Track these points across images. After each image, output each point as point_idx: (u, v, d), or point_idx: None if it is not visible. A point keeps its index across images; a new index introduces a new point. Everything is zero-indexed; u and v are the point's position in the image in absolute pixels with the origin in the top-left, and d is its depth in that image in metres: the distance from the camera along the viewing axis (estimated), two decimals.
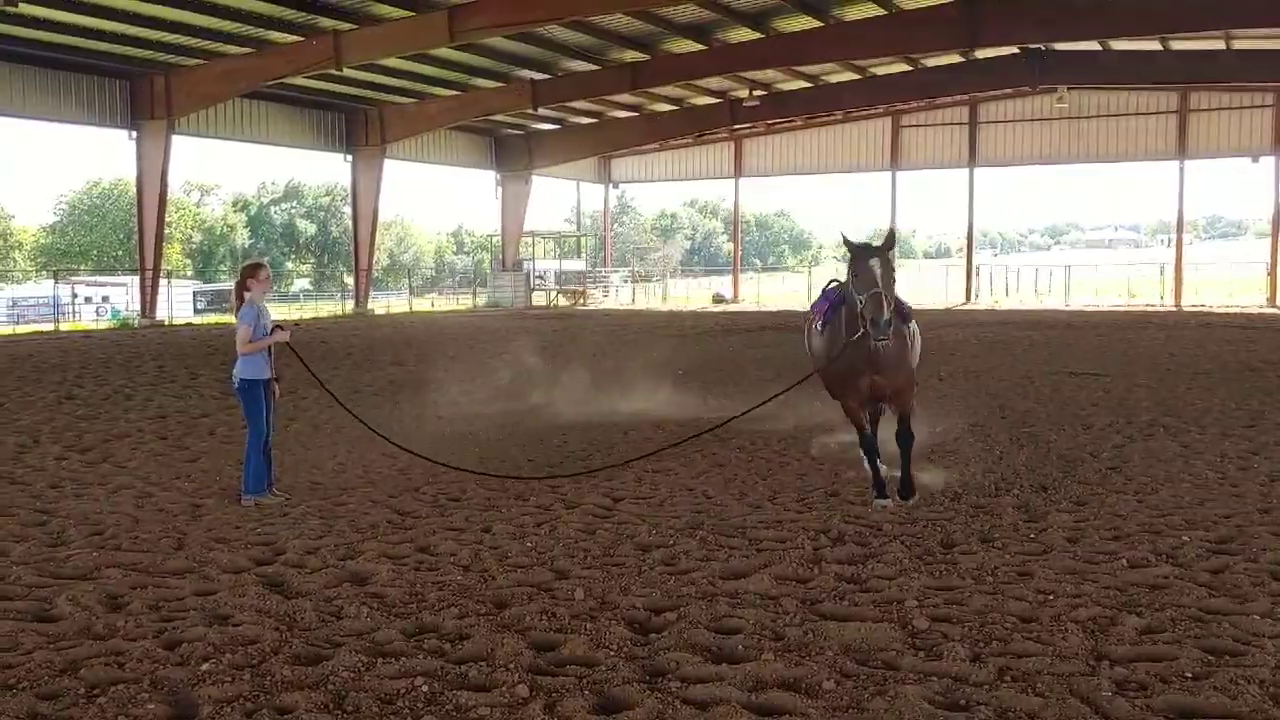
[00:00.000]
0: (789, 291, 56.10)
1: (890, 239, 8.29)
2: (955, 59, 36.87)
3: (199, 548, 7.09)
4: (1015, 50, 35.15)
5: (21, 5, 22.83)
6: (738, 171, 49.54)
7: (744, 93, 39.69)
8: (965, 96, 42.67)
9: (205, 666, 4.95)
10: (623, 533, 7.48)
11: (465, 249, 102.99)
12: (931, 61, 37.57)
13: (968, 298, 45.17)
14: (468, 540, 7.31)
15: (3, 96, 29.25)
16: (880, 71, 38.88)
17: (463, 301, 51.31)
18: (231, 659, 5.04)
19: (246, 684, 4.75)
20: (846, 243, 8.01)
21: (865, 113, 45.10)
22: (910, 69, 38.13)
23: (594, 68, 34.29)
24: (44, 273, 69.34)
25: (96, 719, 4.37)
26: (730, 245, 65.00)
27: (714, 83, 38.06)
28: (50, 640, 5.30)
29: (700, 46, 32.43)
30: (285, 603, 5.94)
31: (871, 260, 7.64)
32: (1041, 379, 16.15)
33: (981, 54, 35.49)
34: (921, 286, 49.49)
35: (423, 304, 50.18)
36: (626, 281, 57.89)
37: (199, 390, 15.46)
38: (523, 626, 5.52)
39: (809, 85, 39.87)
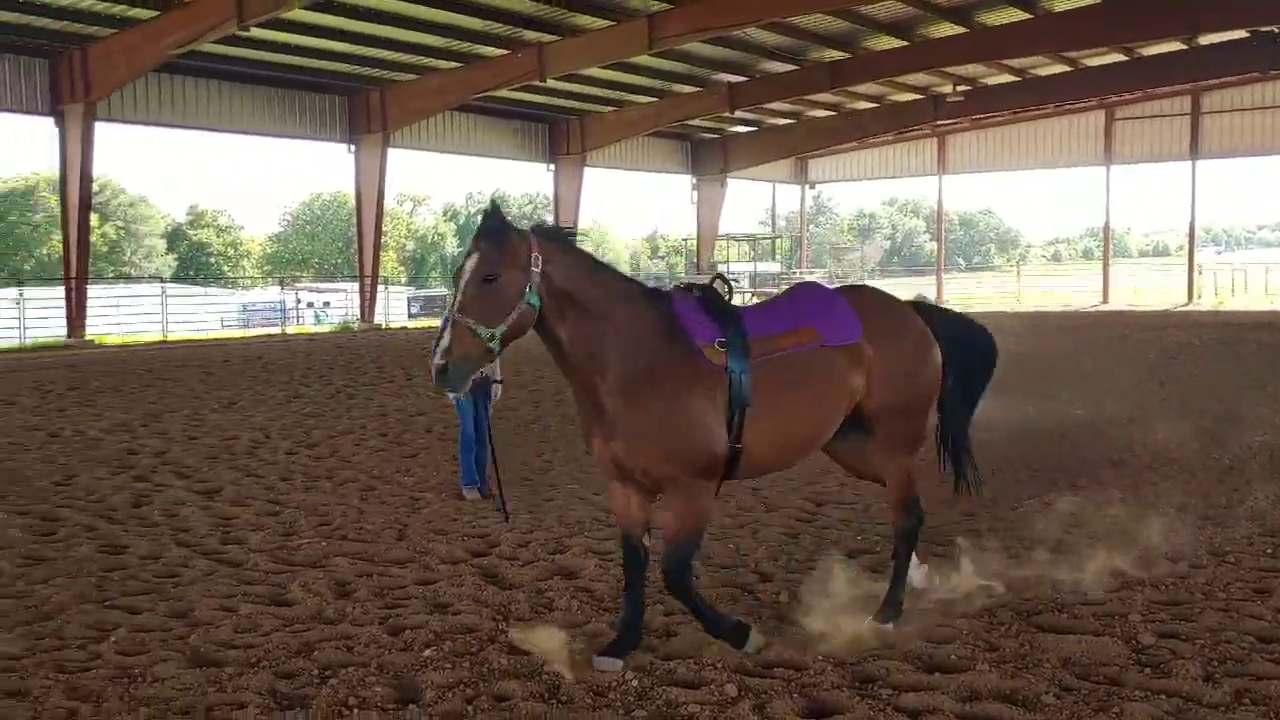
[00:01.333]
0: (993, 293, 54.17)
1: (492, 214, 4.82)
2: (1176, 46, 34.74)
3: (419, 539, 7.43)
4: (1244, 34, 32.82)
5: (253, 30, 24.44)
6: (941, 168, 48.19)
7: (947, 88, 38.59)
8: (1187, 86, 40.13)
9: (427, 653, 5.18)
10: (826, 538, 7.39)
11: (660, 254, 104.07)
12: (1149, 50, 35.52)
13: (1190, 298, 42.49)
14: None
15: (235, 115, 31.45)
16: (1093, 63, 37.02)
17: None
18: (452, 646, 5.26)
19: (466, 670, 4.94)
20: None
21: (1076, 105, 43.01)
22: (1125, 58, 36.17)
23: (792, 68, 34.05)
24: (270, 279, 74.14)
25: (329, 699, 4.63)
26: (932, 245, 63.19)
27: (916, 79, 37.14)
28: (286, 623, 5.66)
29: (902, 43, 31.74)
30: (500, 593, 6.16)
31: (467, 261, 4.74)
32: (1276, 383, 15.04)
33: (1205, 40, 33.34)
34: (1139, 286, 46.88)
35: None
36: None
37: (415, 390, 16.18)
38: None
39: (1016, 79, 38.40)
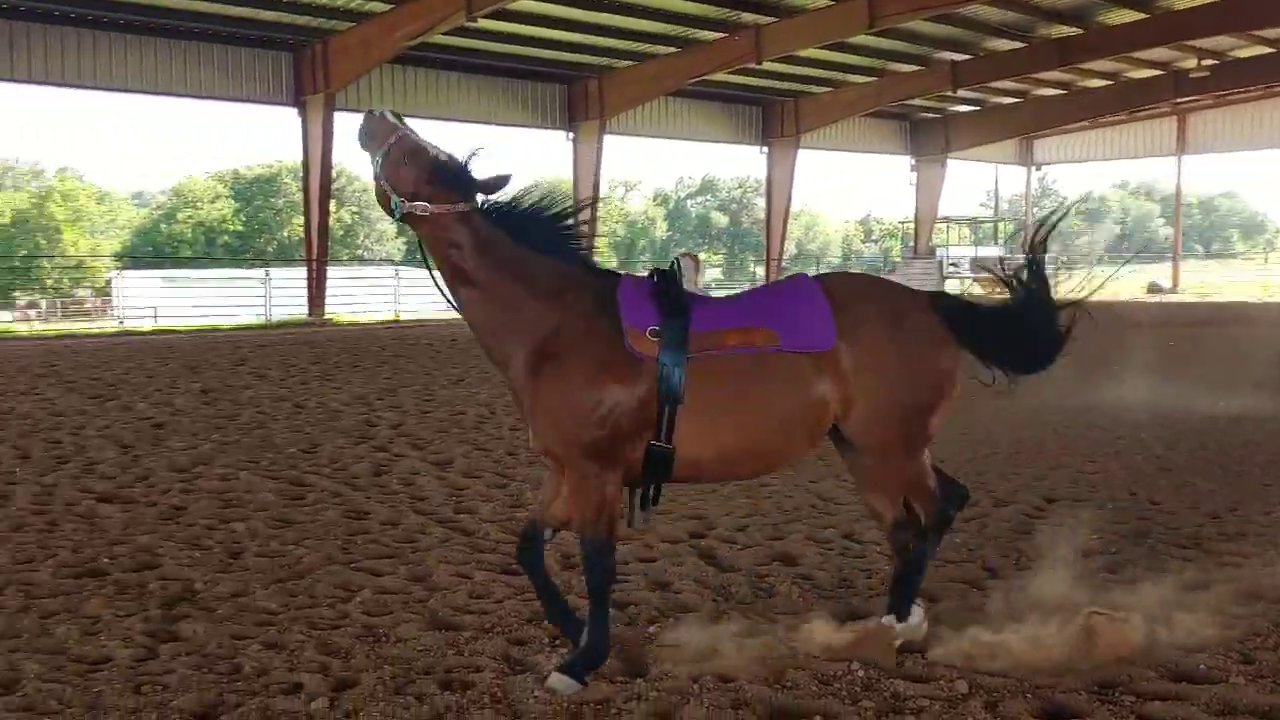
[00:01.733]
0: (1236, 280, 50.49)
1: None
2: None
3: (639, 516, 7.54)
4: None
5: (479, 21, 25.35)
6: (1180, 148, 45.23)
7: (1191, 63, 36.10)
8: None
9: (652, 629, 5.26)
10: (1060, 535, 7.07)
11: (873, 237, 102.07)
12: None
13: None
14: None
15: (460, 104, 32.77)
16: None
17: None
18: (675, 624, 5.32)
19: (690, 647, 4.99)
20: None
21: None
22: None
23: (1019, 45, 32.68)
24: None
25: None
26: (1166, 230, 59.43)
27: (1155, 54, 34.97)
28: (517, 592, 5.86)
29: (1140, 15, 29.92)
30: (720, 575, 6.19)
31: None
32: None
33: None
34: None
35: None
36: (1048, 268, 54.58)
37: None
38: (956, 622, 5.36)
39: (1270, 50, 35.54)
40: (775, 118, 39.41)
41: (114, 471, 9.10)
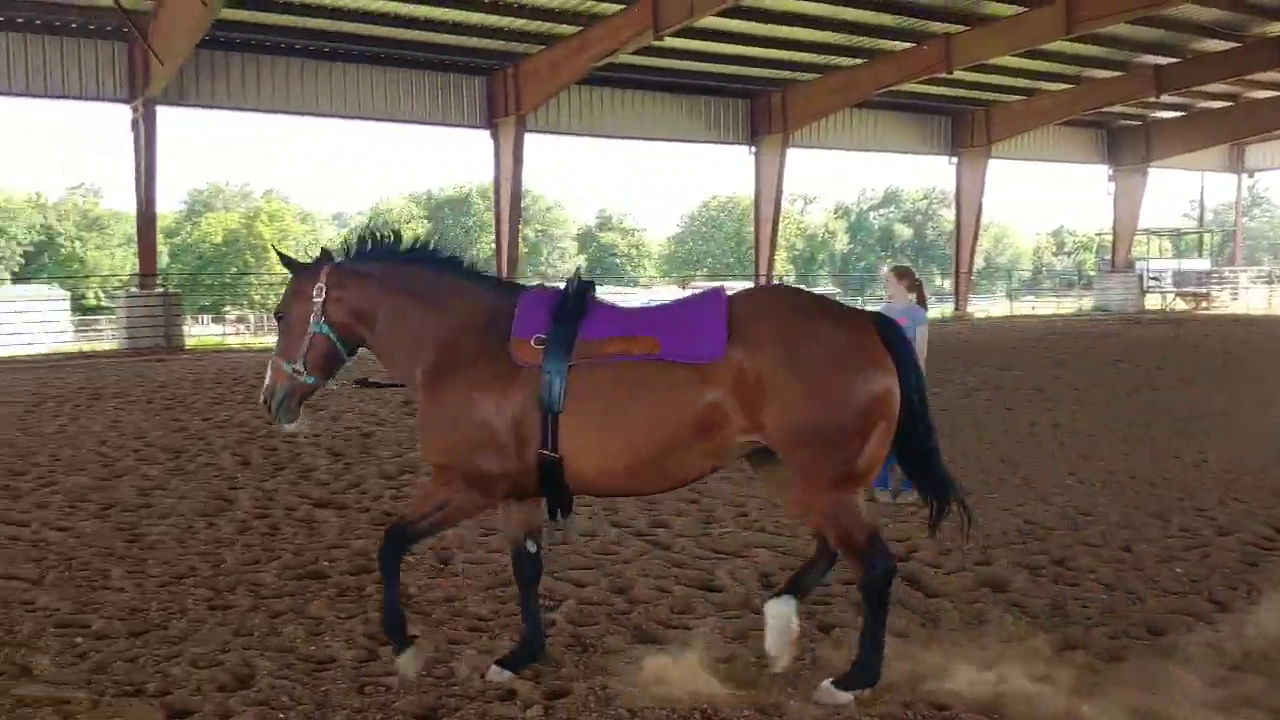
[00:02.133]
0: None
1: (281, 258, 5.24)
2: None
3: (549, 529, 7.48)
4: None
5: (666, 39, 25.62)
6: None
7: None
8: None
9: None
10: None
11: (1066, 249, 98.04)
12: None
13: None
14: (1107, 558, 6.89)
15: (643, 122, 33.23)
16: None
17: (1065, 305, 48.77)
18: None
19: (899, 674, 4.87)
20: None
21: None
22: None
23: (1230, 45, 30.78)
24: (668, 278, 77.53)
25: (768, 687, 4.73)
26: None
27: None
28: (718, 609, 5.85)
29: None
30: (926, 600, 6.02)
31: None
32: None
33: None
34: None
35: (1022, 307, 48.49)
36: (1259, 282, 51.27)
37: None
38: (1184, 657, 5.06)
39: None
40: (965, 127, 38.35)
41: (328, 478, 9.57)
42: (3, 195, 71.00)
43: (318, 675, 4.94)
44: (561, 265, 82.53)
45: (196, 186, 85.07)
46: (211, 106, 27.49)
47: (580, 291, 4.82)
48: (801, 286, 5.07)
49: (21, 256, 69.20)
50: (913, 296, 8.70)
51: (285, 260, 5.17)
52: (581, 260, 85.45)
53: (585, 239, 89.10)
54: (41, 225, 71.16)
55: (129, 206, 27.86)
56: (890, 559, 4.62)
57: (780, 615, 4.78)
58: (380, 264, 5.03)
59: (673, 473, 4.66)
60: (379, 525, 7.80)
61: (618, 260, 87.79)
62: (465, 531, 7.57)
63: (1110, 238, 45.20)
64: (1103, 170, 43.97)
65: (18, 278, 63.19)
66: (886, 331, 4.65)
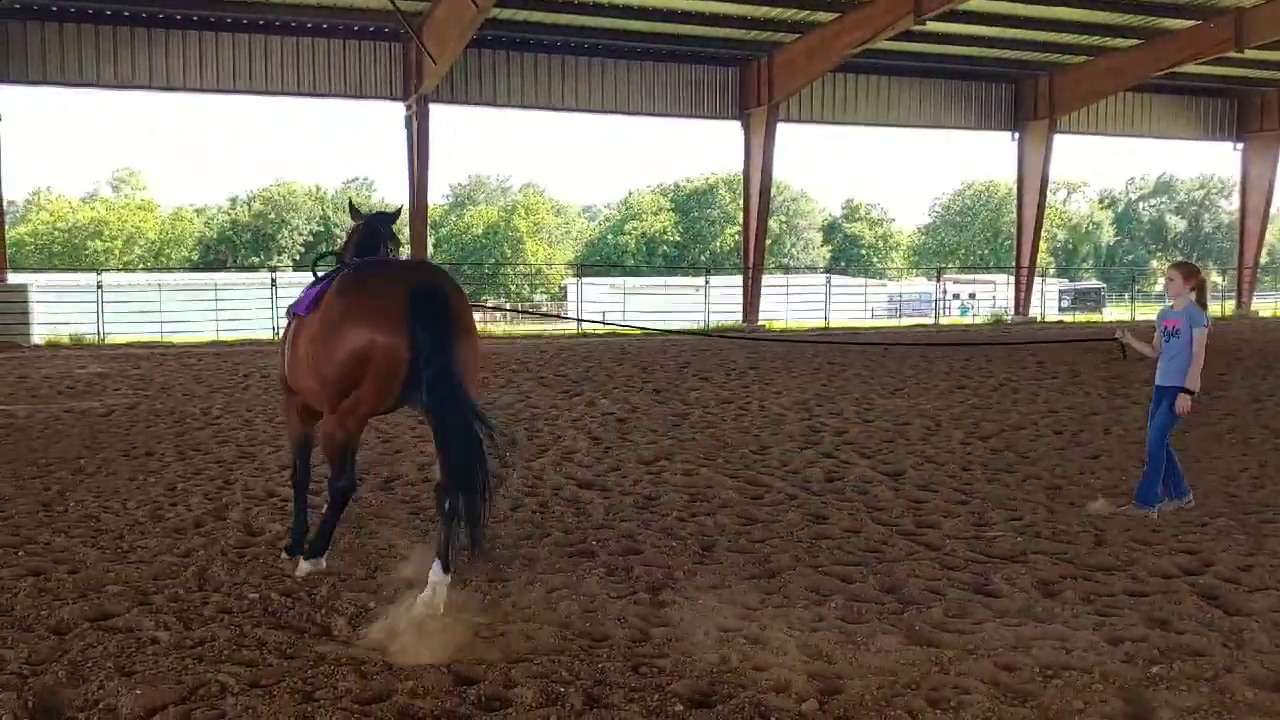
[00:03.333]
0: None
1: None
2: None
3: (1120, 545, 6.98)
4: None
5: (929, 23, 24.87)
6: None
7: None
8: None
9: (1155, 669, 4.81)
10: None
11: None
12: None
13: None
14: None
15: (898, 109, 32.50)
16: None
17: None
18: (1182, 667, 4.83)
19: (1204, 697, 4.51)
20: None
21: None
22: None
23: None
24: (918, 270, 75.50)
25: (1055, 699, 4.49)
26: None
27: None
28: (997, 615, 5.60)
29: None
30: (1227, 619, 5.56)
31: None
32: None
33: None
34: None
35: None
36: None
37: (1083, 386, 15.40)
38: None
39: None
40: (1253, 110, 35.37)
41: (589, 461, 9.83)
42: (286, 188, 77.13)
43: (594, 652, 5.05)
44: (805, 256, 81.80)
45: (459, 180, 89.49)
46: (478, 104, 28.85)
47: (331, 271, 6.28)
48: (374, 267, 6.16)
49: (302, 245, 74.98)
50: (1193, 295, 7.98)
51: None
52: (826, 252, 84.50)
53: (831, 229, 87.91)
54: (320, 216, 76.83)
55: (399, 199, 29.58)
56: (352, 482, 5.99)
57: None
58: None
59: (328, 400, 5.75)
60: (641, 509, 7.95)
61: (863, 251, 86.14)
62: (726, 520, 7.58)
63: None
64: None
65: (298, 265, 68.52)
66: (417, 301, 5.36)
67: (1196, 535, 7.30)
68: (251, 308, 29.71)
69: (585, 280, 43.17)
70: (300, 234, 75.40)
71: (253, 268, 67.73)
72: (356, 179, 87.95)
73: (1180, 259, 8.63)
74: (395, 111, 27.85)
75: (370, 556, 6.69)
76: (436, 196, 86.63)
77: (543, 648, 5.08)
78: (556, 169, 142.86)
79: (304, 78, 26.56)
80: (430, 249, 71.57)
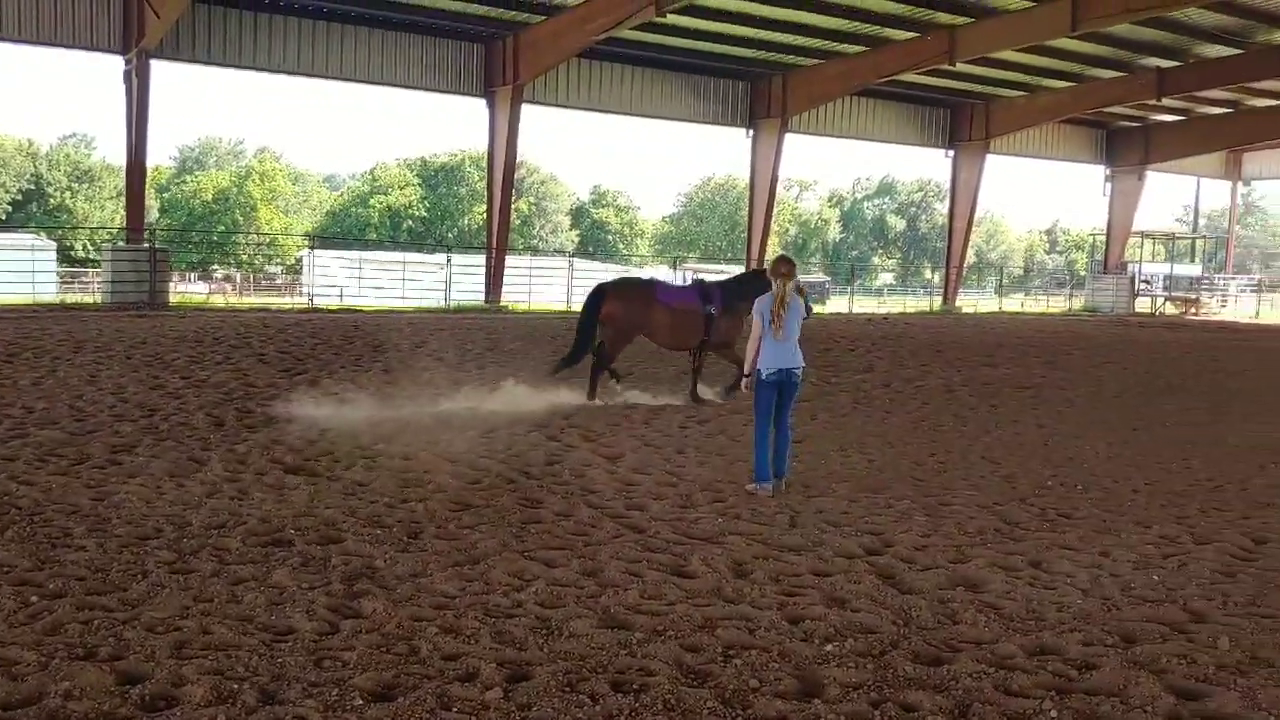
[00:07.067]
0: None
1: None
2: None
3: (812, 528, 7.35)
4: None
5: (668, 16, 25.39)
6: None
7: None
8: None
9: (829, 647, 5.07)
10: (1270, 581, 6.52)
11: (1058, 248, 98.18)
12: None
13: None
14: (1083, 562, 6.81)
15: (643, 100, 33.01)
16: None
17: (1054, 304, 48.80)
18: (853, 644, 5.11)
19: (869, 673, 4.78)
20: None
21: None
22: None
23: (1234, 52, 30.71)
24: (661, 259, 77.30)
25: (733, 679, 4.64)
26: None
27: None
28: (689, 595, 5.75)
29: None
30: (900, 597, 5.94)
31: None
32: None
33: None
34: None
35: (1011, 304, 48.50)
36: (1247, 291, 51.39)
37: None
38: (1158, 668, 4.98)
39: None
40: (964, 121, 38.26)
41: (301, 444, 9.44)
42: None
43: (276, 646, 4.82)
44: (553, 239, 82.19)
45: (188, 143, 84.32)
46: (207, 63, 27.14)
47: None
48: None
49: (9, 204, 68.55)
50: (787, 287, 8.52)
51: None
52: (574, 236, 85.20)
53: (579, 214, 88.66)
54: (31, 174, 70.47)
55: (122, 159, 27.48)
56: None
57: None
58: None
59: None
60: (349, 495, 7.69)
61: (610, 237, 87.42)
62: (437, 505, 7.47)
63: (1104, 238, 45.22)
64: (1100, 170, 43.98)
65: (3, 225, 62.65)
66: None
67: (882, 517, 7.77)
68: None
69: (321, 252, 41.67)
70: (8, 191, 68.80)
71: None
72: (74, 135, 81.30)
73: (781, 253, 9.62)
74: (116, 65, 25.80)
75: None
76: (162, 158, 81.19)
77: (219, 642, 4.80)
78: (297, 136, 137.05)
79: (13, 23, 24.12)
80: (156, 213, 66.69)
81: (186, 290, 38.54)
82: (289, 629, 5.05)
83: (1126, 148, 42.69)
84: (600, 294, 13.07)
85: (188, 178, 79.08)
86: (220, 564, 5.97)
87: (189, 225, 68.93)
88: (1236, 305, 47.58)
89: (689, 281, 14.82)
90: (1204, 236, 54.19)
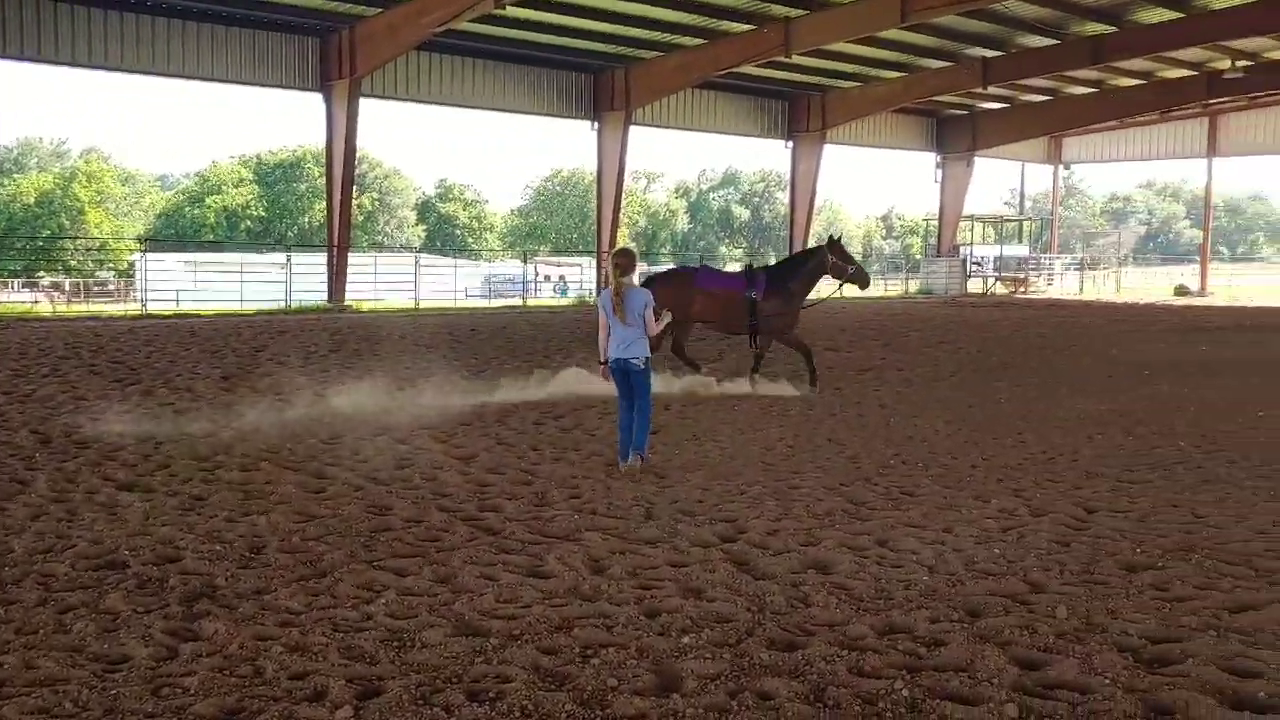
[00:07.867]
0: (1268, 285, 49.91)
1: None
2: None
3: (667, 519, 7.37)
4: None
5: (507, 8, 25.16)
6: (1211, 150, 44.68)
7: (1225, 63, 35.63)
8: None
9: (686, 640, 5.08)
10: (1101, 548, 6.85)
11: (894, 233, 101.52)
12: None
13: None
14: (928, 539, 7.02)
15: (485, 92, 32.64)
16: None
17: (892, 288, 50.43)
18: (710, 635, 5.14)
19: (726, 663, 4.81)
20: None
21: None
22: None
23: (1052, 42, 32.29)
24: (512, 252, 76.77)
25: (591, 679, 4.60)
26: (1191, 232, 58.92)
27: (1189, 54, 34.53)
28: (546, 596, 5.69)
29: (1176, 15, 29.52)
30: (754, 583, 6.00)
31: None
32: None
33: None
34: None
35: (851, 289, 49.68)
36: (1071, 269, 54.20)
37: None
38: (1002, 640, 5.17)
39: None
40: (801, 112, 39.14)
41: (135, 459, 8.99)
42: None
43: (109, 676, 4.55)
44: (399, 235, 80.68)
45: (5, 144, 79.55)
46: (22, 59, 25.54)
47: None
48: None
49: None
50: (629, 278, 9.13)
51: None
52: (420, 231, 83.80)
53: (425, 209, 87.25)
54: None
55: None
56: None
57: None
58: None
59: None
60: (187, 511, 7.35)
61: (458, 232, 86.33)
62: (281, 518, 7.20)
63: (936, 223, 46.97)
64: (931, 158, 45.64)
65: None
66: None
67: (735, 504, 7.86)
68: None
69: (155, 255, 39.91)
70: None
71: None
72: None
73: (621, 246, 9.98)
74: None
75: None
76: None
77: (45, 677, 4.51)
78: (127, 135, 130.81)
79: None
80: None
81: (10, 299, 36.33)
82: (123, 657, 4.77)
83: (955, 135, 44.44)
84: (649, 285, 13.11)
85: (5, 180, 74.56)
86: (46, 591, 5.61)
87: (9, 230, 64.98)
88: (1062, 283, 50.13)
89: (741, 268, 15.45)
90: (1030, 219, 56.84)
